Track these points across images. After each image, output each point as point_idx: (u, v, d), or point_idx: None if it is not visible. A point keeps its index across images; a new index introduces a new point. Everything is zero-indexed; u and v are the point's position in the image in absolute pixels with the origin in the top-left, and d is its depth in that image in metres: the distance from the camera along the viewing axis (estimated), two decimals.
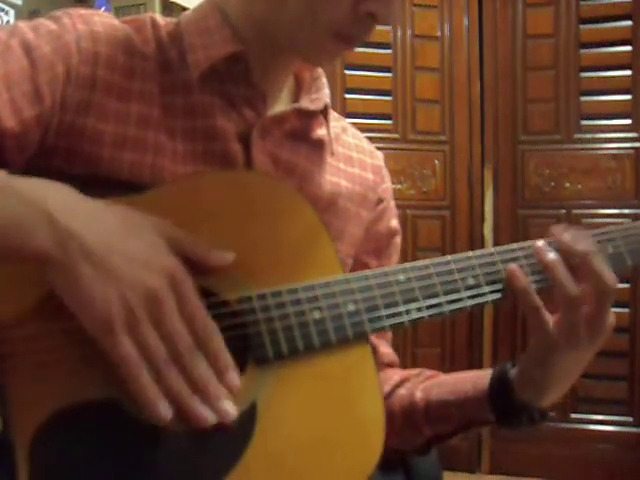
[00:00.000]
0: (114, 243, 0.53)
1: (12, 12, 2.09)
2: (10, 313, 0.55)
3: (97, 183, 0.66)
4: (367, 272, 0.66)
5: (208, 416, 0.54)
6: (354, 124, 0.92)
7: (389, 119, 2.74)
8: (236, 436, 0.57)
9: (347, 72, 2.71)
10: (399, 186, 2.72)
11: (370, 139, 0.92)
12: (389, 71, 2.74)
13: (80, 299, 0.51)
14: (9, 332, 0.54)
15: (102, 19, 0.72)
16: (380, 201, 0.87)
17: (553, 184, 2.68)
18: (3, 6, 2.06)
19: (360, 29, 0.68)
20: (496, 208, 2.74)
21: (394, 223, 0.89)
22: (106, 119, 0.68)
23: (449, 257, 0.69)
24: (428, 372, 0.85)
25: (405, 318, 0.65)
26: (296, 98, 0.81)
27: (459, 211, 2.75)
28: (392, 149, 2.68)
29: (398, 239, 0.90)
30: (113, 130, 0.68)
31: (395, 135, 2.74)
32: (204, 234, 0.61)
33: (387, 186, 0.89)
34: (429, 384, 0.82)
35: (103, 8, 2.19)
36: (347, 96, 2.72)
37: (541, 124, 2.70)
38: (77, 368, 0.55)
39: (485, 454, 2.69)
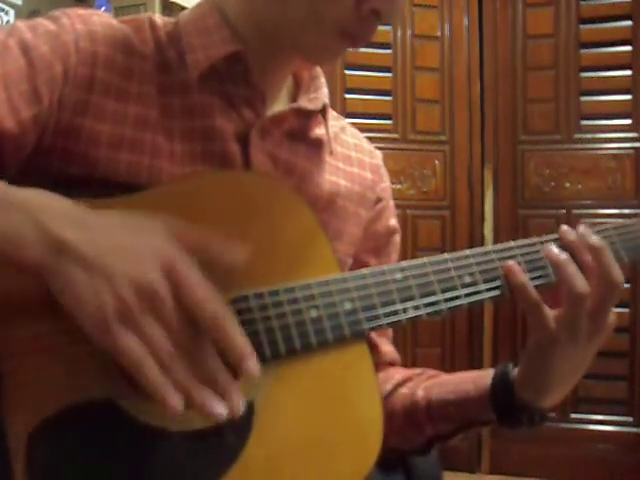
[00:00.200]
0: (107, 244, 0.52)
1: (12, 12, 2.09)
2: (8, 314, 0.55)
3: (94, 184, 0.66)
4: (364, 271, 0.66)
5: (220, 410, 0.52)
6: (354, 124, 0.92)
7: (389, 119, 2.74)
8: (233, 436, 0.57)
9: (347, 72, 2.71)
10: (399, 186, 2.72)
11: (370, 139, 0.92)
12: (389, 71, 2.74)
13: (75, 304, 0.50)
14: (6, 333, 0.54)
15: (101, 19, 0.72)
16: (379, 200, 0.87)
17: (553, 184, 2.68)
18: (3, 6, 2.06)
19: (364, 27, 0.68)
20: (496, 208, 2.74)
21: (393, 222, 0.89)
22: (103, 119, 0.68)
23: (446, 255, 0.69)
24: (430, 371, 0.85)
25: (402, 316, 0.65)
26: (294, 98, 0.81)
27: (459, 211, 2.75)
28: (392, 149, 2.68)
29: (397, 238, 0.90)
30: (110, 131, 0.68)
31: (395, 135, 2.74)
32: None
33: (386, 185, 0.89)
34: (431, 383, 0.82)
35: (103, 8, 2.19)
36: (347, 96, 2.72)
37: (541, 124, 2.70)
38: (74, 369, 0.55)
39: (485, 454, 2.69)
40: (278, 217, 0.66)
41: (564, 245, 0.71)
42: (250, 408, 0.58)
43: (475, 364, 2.64)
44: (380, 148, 0.93)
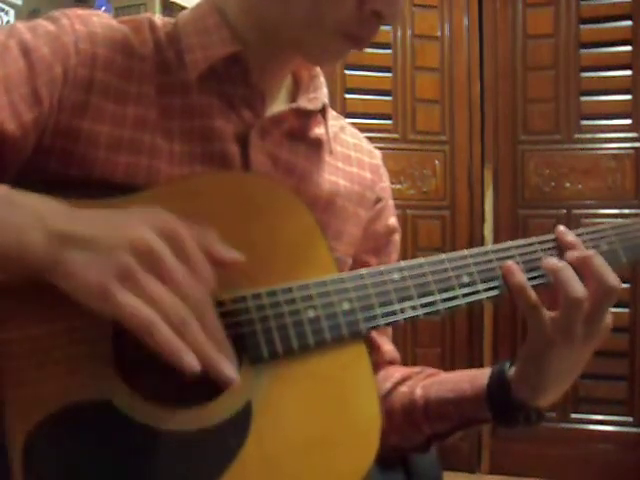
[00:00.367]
0: (104, 225, 0.54)
1: (12, 12, 2.09)
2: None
3: (92, 185, 0.66)
4: (362, 271, 0.66)
5: (233, 374, 0.53)
6: (354, 124, 0.92)
7: (389, 119, 2.74)
8: (231, 436, 0.57)
9: (347, 72, 2.71)
10: (399, 186, 2.72)
11: (370, 139, 0.92)
12: (389, 71, 2.74)
13: (78, 284, 0.51)
14: (5, 333, 0.54)
15: (100, 20, 0.72)
16: (378, 200, 0.87)
17: (553, 184, 2.68)
18: (3, 6, 2.06)
19: (365, 29, 0.68)
20: (496, 208, 2.74)
21: (392, 221, 0.89)
22: (102, 121, 0.68)
23: (444, 256, 0.69)
24: (429, 370, 0.86)
25: (400, 317, 0.65)
26: (294, 97, 0.81)
27: (459, 211, 2.75)
28: (392, 149, 2.68)
29: (397, 237, 0.90)
30: (109, 132, 0.68)
31: (395, 135, 2.74)
32: None
33: (385, 185, 0.89)
34: (429, 382, 0.82)
35: (103, 8, 2.19)
36: (347, 96, 2.72)
37: (541, 124, 2.70)
38: (72, 369, 0.55)
39: (485, 454, 2.69)
40: (276, 218, 0.66)
41: (561, 245, 0.71)
42: (248, 408, 0.58)
43: (475, 364, 2.64)
44: (380, 148, 0.93)
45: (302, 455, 0.58)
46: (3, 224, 0.52)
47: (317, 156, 0.80)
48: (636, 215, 2.49)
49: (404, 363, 0.90)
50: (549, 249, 0.72)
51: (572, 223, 2.57)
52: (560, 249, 0.72)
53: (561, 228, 0.73)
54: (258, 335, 0.60)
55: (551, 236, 0.73)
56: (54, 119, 0.66)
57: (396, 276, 0.66)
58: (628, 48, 2.58)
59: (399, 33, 2.74)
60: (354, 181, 0.84)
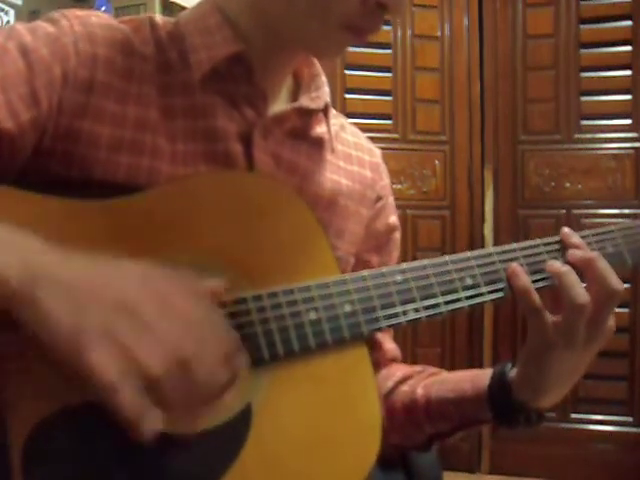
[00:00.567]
0: (86, 270, 0.51)
1: (12, 12, 2.09)
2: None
3: (94, 186, 0.66)
4: (364, 273, 0.66)
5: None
6: (354, 124, 0.92)
7: (389, 119, 2.74)
8: (231, 437, 0.57)
9: (347, 72, 2.70)
10: (399, 186, 2.72)
11: (370, 139, 0.92)
12: (389, 71, 2.74)
13: (47, 322, 0.48)
14: (2, 334, 0.54)
15: (100, 20, 0.72)
16: (379, 198, 0.87)
17: (553, 184, 2.68)
18: (3, 6, 2.06)
19: (369, 20, 0.68)
20: (496, 208, 2.74)
21: (393, 219, 0.89)
22: (103, 122, 0.67)
23: (447, 257, 0.69)
24: (431, 369, 0.86)
25: (402, 319, 0.65)
26: (295, 97, 0.81)
27: (459, 211, 2.75)
28: (392, 149, 2.68)
29: (397, 234, 0.90)
30: (110, 133, 0.67)
31: (395, 135, 2.74)
32: (200, 235, 0.61)
33: (385, 183, 0.89)
34: (431, 381, 0.82)
35: (103, 8, 2.19)
36: (347, 96, 2.71)
37: (541, 124, 2.69)
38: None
39: (485, 454, 2.69)
40: (278, 218, 0.66)
41: (565, 247, 0.71)
42: (248, 410, 0.58)
43: (475, 364, 2.64)
44: (380, 148, 0.93)
45: (303, 456, 0.58)
46: None
47: (319, 155, 0.80)
48: (636, 215, 2.49)
49: (404, 363, 0.90)
50: (554, 251, 0.72)
51: (572, 223, 2.57)
52: (565, 251, 0.71)
53: (566, 230, 0.73)
54: (259, 337, 0.60)
55: (556, 238, 0.73)
56: (54, 122, 0.66)
57: (399, 278, 0.66)
58: (628, 48, 2.58)
59: (399, 33, 2.74)
60: (355, 180, 0.84)
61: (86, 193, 0.62)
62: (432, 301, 0.66)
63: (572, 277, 0.67)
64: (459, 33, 2.75)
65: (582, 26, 2.64)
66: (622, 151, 2.60)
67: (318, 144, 0.80)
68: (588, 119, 2.64)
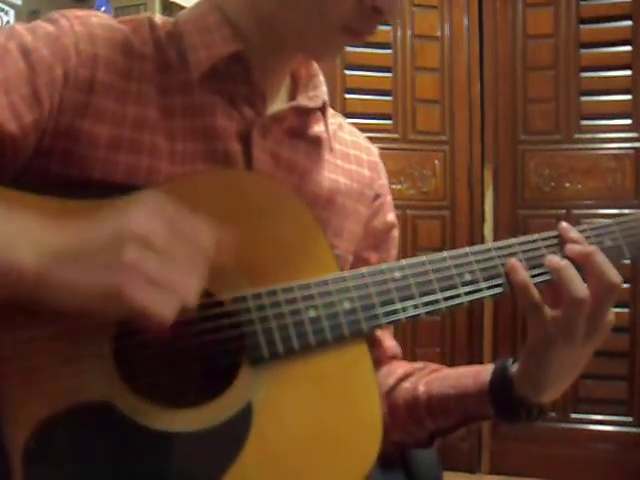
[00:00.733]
0: (88, 229, 0.54)
1: (12, 12, 2.09)
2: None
3: (93, 185, 0.66)
4: (363, 270, 0.66)
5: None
6: (354, 124, 0.92)
7: (389, 119, 2.74)
8: (231, 436, 0.57)
9: (347, 72, 2.70)
10: (399, 186, 2.72)
11: (370, 139, 0.93)
12: (389, 71, 2.74)
13: (72, 291, 0.51)
14: (3, 335, 0.54)
15: (100, 20, 0.72)
16: (377, 197, 0.88)
17: (553, 184, 2.68)
18: (3, 6, 2.06)
19: (365, 23, 0.69)
20: (496, 208, 2.74)
21: (391, 217, 0.90)
22: (102, 121, 0.68)
23: (445, 253, 0.69)
24: (432, 366, 0.86)
25: (402, 315, 0.65)
26: (293, 96, 0.81)
27: (459, 211, 2.75)
28: (392, 149, 2.68)
29: (395, 232, 0.90)
30: (109, 132, 0.67)
31: (395, 135, 2.74)
32: None
33: (383, 182, 0.89)
34: (432, 378, 0.82)
35: (103, 8, 2.19)
36: (347, 96, 2.71)
37: (541, 124, 2.69)
38: (72, 371, 0.55)
39: (485, 454, 2.69)
40: (276, 217, 0.66)
41: (564, 242, 0.71)
42: (248, 408, 0.58)
43: (475, 364, 2.63)
44: (380, 148, 0.93)
45: (304, 454, 0.58)
46: None
47: (317, 154, 0.80)
48: None
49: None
50: (552, 246, 0.72)
51: (572, 223, 2.54)
52: (563, 246, 0.72)
53: (564, 224, 0.73)
54: (259, 335, 0.60)
55: (554, 233, 0.73)
56: (54, 121, 0.66)
57: (397, 275, 0.66)
58: (628, 48, 2.58)
59: (399, 33, 2.74)
60: (353, 178, 0.84)
61: (85, 193, 0.62)
62: (431, 297, 0.66)
63: (571, 272, 0.67)
64: (459, 33, 2.75)
65: (582, 26, 2.64)
66: (622, 151, 2.60)
67: (316, 143, 0.80)
68: (588, 119, 2.64)
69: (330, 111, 0.85)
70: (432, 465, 0.84)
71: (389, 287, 0.65)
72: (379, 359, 0.85)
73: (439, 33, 2.76)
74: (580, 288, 0.66)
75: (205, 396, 0.58)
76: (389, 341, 0.88)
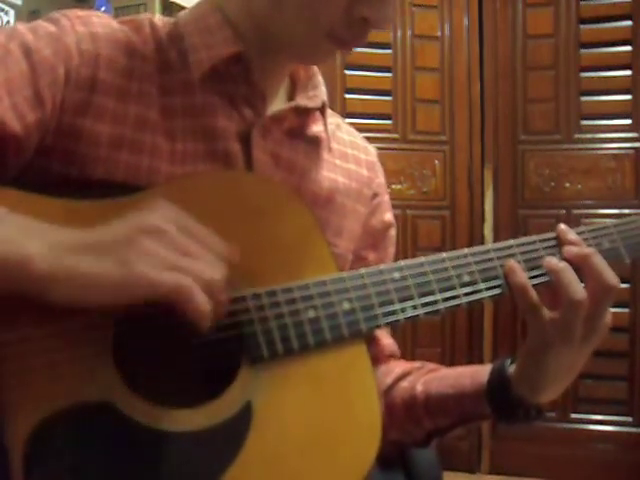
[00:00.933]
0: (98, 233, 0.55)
1: (12, 12, 2.09)
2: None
3: (94, 184, 0.66)
4: (362, 271, 0.66)
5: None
6: (354, 124, 0.92)
7: (389, 119, 2.74)
8: (231, 436, 0.57)
9: (347, 72, 2.71)
10: (399, 186, 2.72)
11: (370, 139, 0.93)
12: (389, 71, 2.74)
13: (87, 282, 0.52)
14: (2, 335, 0.54)
15: (100, 20, 0.72)
16: (375, 196, 0.88)
17: (553, 184, 2.68)
18: (3, 6, 2.06)
19: (353, 32, 0.69)
20: (496, 208, 2.74)
21: (388, 216, 0.90)
22: (103, 120, 0.68)
23: (444, 254, 0.69)
24: (430, 365, 0.86)
25: (400, 316, 0.65)
26: (291, 96, 0.81)
27: (459, 211, 2.75)
28: (392, 149, 2.68)
29: (393, 231, 0.91)
30: (110, 131, 0.68)
31: (395, 135, 2.74)
32: None
33: (381, 181, 0.90)
34: (430, 377, 0.82)
35: (103, 8, 2.19)
36: (347, 96, 2.72)
37: (541, 124, 2.69)
38: (71, 371, 0.55)
39: (485, 454, 2.69)
40: (276, 218, 0.66)
41: (562, 244, 0.71)
42: (248, 408, 0.58)
43: (475, 363, 2.64)
44: (380, 148, 0.94)
45: (303, 454, 0.58)
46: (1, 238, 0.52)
47: (316, 153, 0.81)
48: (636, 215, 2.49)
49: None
50: (550, 247, 0.72)
51: (572, 223, 2.53)
52: (561, 247, 0.72)
53: (562, 226, 0.73)
54: (258, 335, 0.60)
55: (552, 234, 0.73)
56: (56, 120, 0.66)
57: (396, 275, 0.66)
58: (628, 48, 2.58)
59: (399, 33, 2.74)
60: (352, 178, 0.85)
61: (86, 193, 0.62)
62: (430, 298, 0.66)
63: (568, 274, 0.68)
64: (459, 33, 2.75)
65: (582, 26, 2.64)
66: (622, 151, 2.60)
67: (315, 143, 0.81)
68: (588, 119, 2.64)
69: (328, 111, 0.85)
70: (432, 465, 0.84)
71: (388, 288, 0.65)
72: (377, 357, 0.85)
73: (439, 33, 2.76)
74: (578, 290, 0.66)
75: (205, 396, 0.58)
76: (386, 339, 0.88)
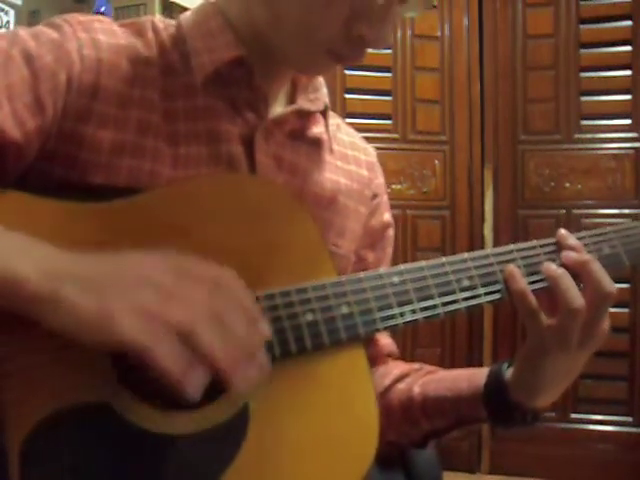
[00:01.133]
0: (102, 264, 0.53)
1: (12, 12, 2.09)
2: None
3: (95, 189, 0.66)
4: (361, 274, 0.66)
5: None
6: (354, 124, 0.93)
7: (389, 119, 2.74)
8: (228, 438, 0.57)
9: (347, 72, 2.70)
10: (399, 186, 2.72)
11: (370, 139, 0.93)
12: (389, 71, 2.74)
13: (73, 313, 0.49)
14: (1, 336, 0.54)
15: (102, 25, 0.72)
16: (375, 196, 0.88)
17: (553, 184, 2.68)
18: (3, 6, 2.06)
19: (351, 49, 0.70)
20: (496, 208, 2.74)
21: (387, 216, 0.90)
22: (105, 126, 0.68)
23: (444, 259, 0.69)
24: (428, 367, 0.86)
25: (399, 320, 0.65)
26: (292, 98, 0.82)
27: (459, 211, 2.75)
28: (392, 149, 2.68)
29: (391, 231, 0.91)
30: (112, 137, 0.68)
31: (395, 135, 2.74)
32: (197, 237, 0.61)
33: (380, 181, 0.90)
34: (428, 379, 0.82)
35: (103, 8, 2.19)
36: (347, 96, 2.72)
37: (541, 124, 2.70)
38: (70, 372, 0.55)
39: (485, 454, 2.69)
40: (276, 221, 0.66)
41: (562, 249, 0.71)
42: (245, 411, 0.58)
43: (475, 365, 2.64)
44: (380, 148, 0.94)
45: (299, 457, 0.58)
46: None
47: (317, 155, 0.81)
48: (636, 215, 2.49)
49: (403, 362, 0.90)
50: (550, 252, 0.72)
51: (572, 223, 2.57)
52: (561, 253, 0.72)
53: (562, 231, 0.73)
54: None
55: (552, 239, 0.73)
56: (58, 126, 0.66)
57: (396, 280, 0.66)
58: (628, 48, 2.58)
59: (399, 33, 2.74)
60: (353, 179, 0.85)
61: (86, 197, 0.62)
62: (429, 302, 0.66)
63: (566, 281, 0.68)
64: (459, 33, 2.75)
65: (582, 26, 2.64)
66: (622, 151, 2.60)
67: (316, 144, 0.81)
68: (588, 119, 2.64)
69: (330, 113, 0.85)
70: (432, 465, 0.84)
71: (387, 292, 0.65)
72: (375, 357, 0.85)
73: (439, 33, 2.76)
74: (576, 297, 0.66)
75: (202, 399, 0.58)
76: (385, 339, 0.89)
